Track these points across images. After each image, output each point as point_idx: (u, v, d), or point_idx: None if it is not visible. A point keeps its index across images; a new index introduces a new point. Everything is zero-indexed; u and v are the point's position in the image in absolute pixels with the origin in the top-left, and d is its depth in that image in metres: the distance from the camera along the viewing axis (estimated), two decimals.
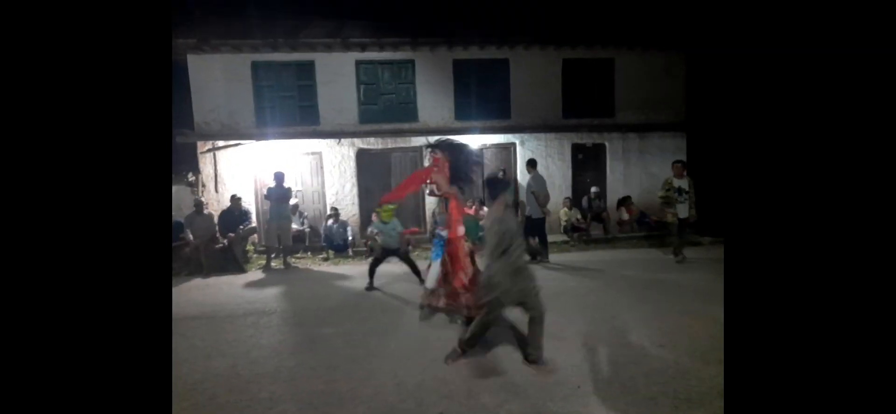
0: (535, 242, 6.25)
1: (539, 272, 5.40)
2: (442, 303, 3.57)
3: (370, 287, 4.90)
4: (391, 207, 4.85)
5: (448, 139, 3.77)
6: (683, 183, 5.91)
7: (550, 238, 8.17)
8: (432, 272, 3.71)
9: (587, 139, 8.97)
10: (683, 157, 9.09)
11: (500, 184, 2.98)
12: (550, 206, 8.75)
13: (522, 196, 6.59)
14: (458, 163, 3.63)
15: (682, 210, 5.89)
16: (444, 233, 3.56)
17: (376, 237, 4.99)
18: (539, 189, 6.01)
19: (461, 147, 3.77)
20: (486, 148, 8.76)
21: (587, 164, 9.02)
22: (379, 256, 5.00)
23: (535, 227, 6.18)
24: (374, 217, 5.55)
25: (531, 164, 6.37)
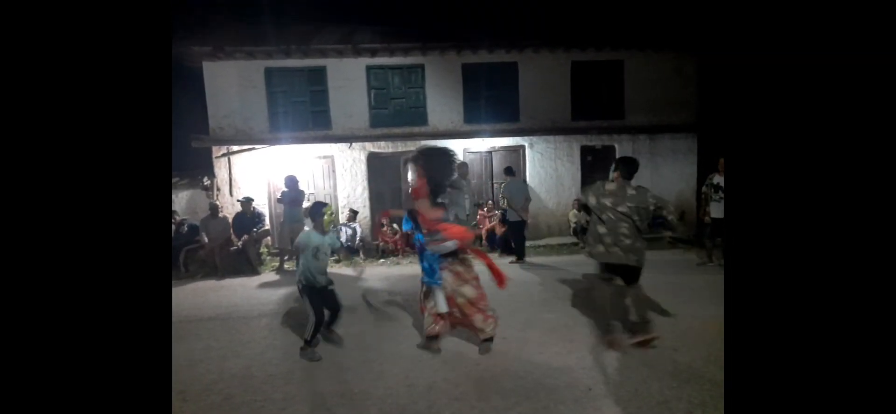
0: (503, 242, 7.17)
1: (534, 274, 5.48)
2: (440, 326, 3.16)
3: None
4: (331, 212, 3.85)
5: (424, 148, 3.35)
6: (722, 180, 5.16)
7: (560, 239, 8.23)
8: (440, 296, 3.08)
9: (597, 141, 8.92)
10: (695, 159, 9.01)
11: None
12: (559, 208, 8.80)
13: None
14: (435, 173, 3.10)
15: (718, 209, 5.20)
16: (448, 244, 2.99)
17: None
18: (513, 195, 6.25)
19: (438, 154, 3.22)
20: (496, 151, 8.77)
21: (597, 167, 8.96)
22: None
23: (512, 229, 6.59)
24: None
25: (507, 171, 6.78)
